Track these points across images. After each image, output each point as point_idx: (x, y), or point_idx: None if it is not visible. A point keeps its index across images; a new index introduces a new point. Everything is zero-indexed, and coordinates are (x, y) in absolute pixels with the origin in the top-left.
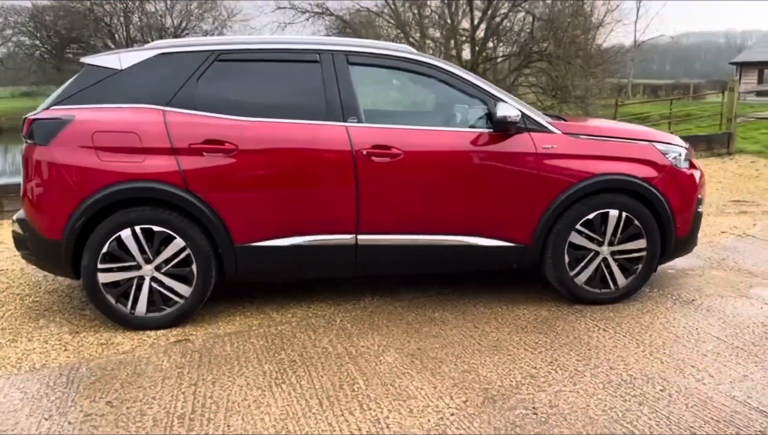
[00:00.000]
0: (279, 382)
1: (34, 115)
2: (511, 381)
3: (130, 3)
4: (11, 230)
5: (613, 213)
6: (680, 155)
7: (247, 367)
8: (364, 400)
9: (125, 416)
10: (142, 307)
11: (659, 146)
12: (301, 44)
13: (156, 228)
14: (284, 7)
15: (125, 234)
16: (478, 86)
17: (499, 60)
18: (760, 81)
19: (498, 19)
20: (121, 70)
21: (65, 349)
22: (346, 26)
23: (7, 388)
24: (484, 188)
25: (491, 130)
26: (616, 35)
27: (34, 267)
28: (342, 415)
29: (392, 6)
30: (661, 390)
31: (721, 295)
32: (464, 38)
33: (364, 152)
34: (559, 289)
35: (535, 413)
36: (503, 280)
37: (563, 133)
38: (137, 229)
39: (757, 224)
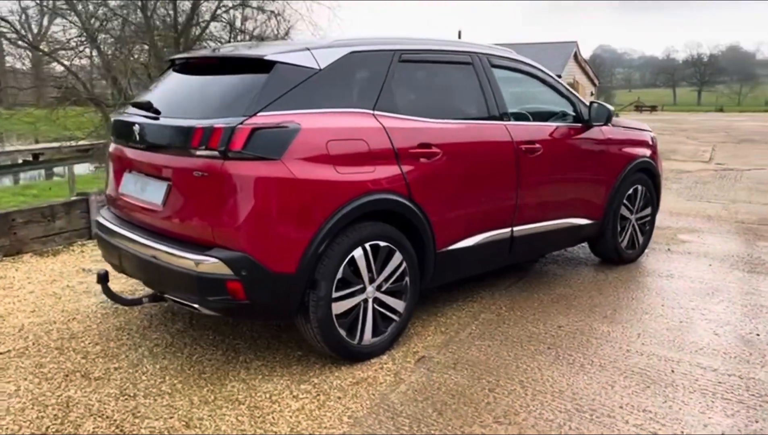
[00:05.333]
0: (580, 364)
1: (247, 123)
2: (693, 315)
3: None
4: (196, 276)
5: (640, 188)
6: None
7: (530, 363)
8: (664, 354)
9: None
10: (368, 333)
11: (650, 133)
12: (457, 46)
13: (381, 243)
14: None
15: (358, 254)
16: (566, 87)
17: None
18: None
19: (198, 29)
20: (321, 70)
21: (338, 399)
22: None
23: None
24: (583, 174)
25: (580, 124)
26: None
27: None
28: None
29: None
30: (766, 301)
31: (673, 243)
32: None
33: (523, 148)
34: (611, 254)
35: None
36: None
37: (612, 125)
38: (367, 246)
39: None
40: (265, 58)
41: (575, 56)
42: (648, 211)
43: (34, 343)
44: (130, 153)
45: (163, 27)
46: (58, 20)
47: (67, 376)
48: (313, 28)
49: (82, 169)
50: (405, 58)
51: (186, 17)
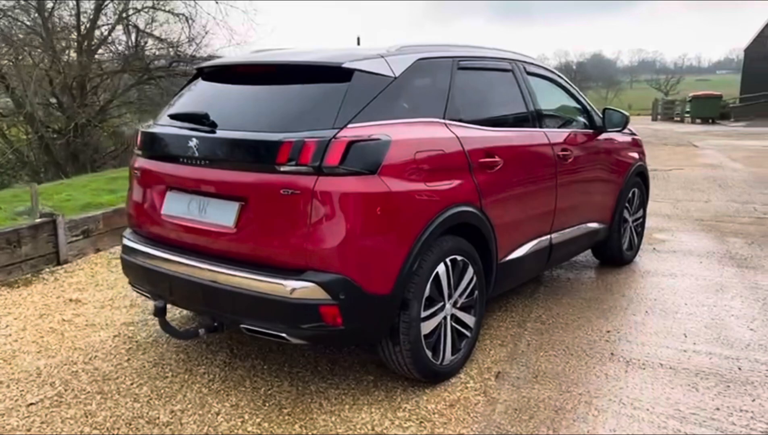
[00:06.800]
0: (652, 368)
1: (341, 136)
2: (719, 313)
3: None
4: (290, 303)
5: (637, 191)
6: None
7: (606, 371)
8: (720, 352)
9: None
10: (448, 352)
11: (637, 136)
12: (498, 53)
13: (459, 257)
14: None
15: (441, 270)
16: (582, 95)
17: (106, 75)
18: None
19: (103, 30)
20: (396, 78)
21: (444, 425)
22: None
23: None
24: (601, 179)
25: (594, 130)
26: None
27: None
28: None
29: None
30: None
31: (654, 243)
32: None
33: (560, 154)
34: (614, 256)
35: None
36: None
37: (616, 130)
38: (448, 262)
39: None
40: (344, 66)
41: None
42: (641, 212)
43: (66, 389)
44: (175, 169)
45: (63, 29)
46: None
47: (129, 424)
48: (230, 33)
49: None
50: (462, 65)
51: (89, 19)
